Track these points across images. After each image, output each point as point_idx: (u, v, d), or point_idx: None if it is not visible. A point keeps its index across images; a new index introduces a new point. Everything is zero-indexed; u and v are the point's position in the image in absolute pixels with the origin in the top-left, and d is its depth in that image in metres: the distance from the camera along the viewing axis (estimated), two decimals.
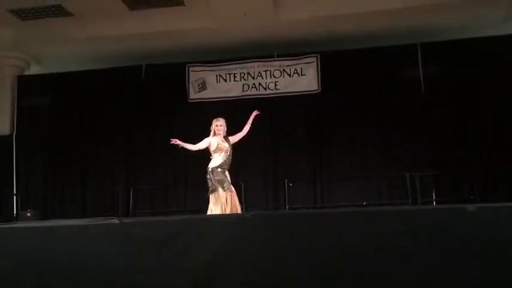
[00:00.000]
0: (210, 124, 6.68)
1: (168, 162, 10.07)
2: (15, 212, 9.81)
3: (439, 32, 9.58)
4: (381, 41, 9.65)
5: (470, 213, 4.11)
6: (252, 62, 10.13)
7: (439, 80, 9.63)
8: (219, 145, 6.51)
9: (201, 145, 6.55)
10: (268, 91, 10.03)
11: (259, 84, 10.06)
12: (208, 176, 6.47)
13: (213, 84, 10.19)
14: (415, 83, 9.65)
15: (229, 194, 6.41)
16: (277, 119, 9.87)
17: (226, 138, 6.63)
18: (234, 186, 6.62)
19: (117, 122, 10.46)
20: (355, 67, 9.76)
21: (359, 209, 6.59)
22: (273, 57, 10.17)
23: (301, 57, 10.00)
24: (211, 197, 6.45)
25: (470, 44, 9.52)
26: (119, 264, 4.41)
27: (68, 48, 10.32)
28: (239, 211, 6.48)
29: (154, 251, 4.39)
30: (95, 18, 9.39)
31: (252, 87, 10.08)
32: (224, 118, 6.76)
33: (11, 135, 10.58)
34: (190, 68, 10.27)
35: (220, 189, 6.37)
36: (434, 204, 9.08)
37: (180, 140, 6.51)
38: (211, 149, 6.53)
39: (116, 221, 4.71)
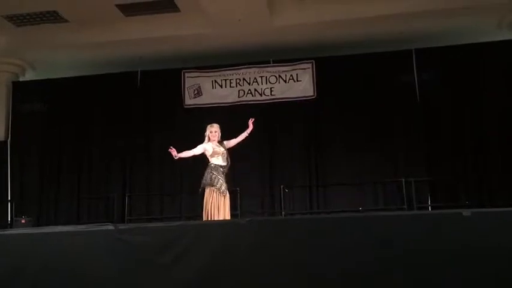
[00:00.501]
0: (205, 129, 6.68)
1: (164, 169, 10.04)
2: (9, 219, 9.75)
3: (433, 38, 9.62)
4: (376, 47, 9.69)
5: (466, 218, 4.12)
6: (248, 68, 10.15)
7: (433, 86, 9.66)
8: (215, 149, 6.53)
9: (196, 151, 6.55)
10: (263, 97, 10.04)
11: (255, 90, 10.07)
12: (208, 170, 6.45)
13: (208, 90, 10.19)
14: (410, 89, 9.69)
15: (223, 197, 6.42)
16: (273, 124, 9.88)
17: (221, 142, 6.65)
18: (229, 192, 6.60)
19: (113, 128, 10.43)
20: (350, 73, 9.79)
21: (356, 214, 6.60)
22: (269, 63, 10.18)
23: (297, 63, 10.03)
24: (206, 191, 6.40)
25: (464, 50, 9.57)
26: (114, 270, 4.39)
27: (63, 54, 10.30)
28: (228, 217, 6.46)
29: (150, 257, 4.38)
30: (90, 24, 9.39)
31: (247, 93, 10.09)
32: (219, 124, 6.76)
33: (5, 141, 10.54)
34: (186, 74, 10.28)
35: (215, 188, 6.36)
36: (430, 209, 9.09)
37: (176, 146, 6.50)
38: (208, 154, 6.53)
39: (111, 227, 4.70)
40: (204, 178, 6.44)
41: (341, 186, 9.48)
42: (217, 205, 6.35)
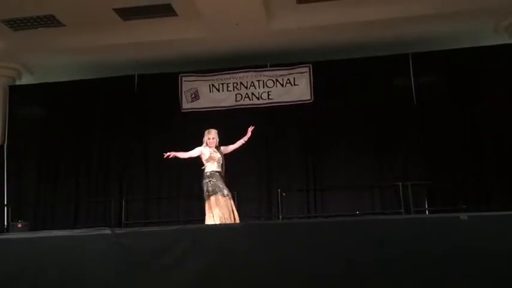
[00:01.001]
0: (203, 134, 6.69)
1: (161, 173, 10.03)
2: (6, 223, 9.71)
3: (430, 42, 9.65)
4: (373, 51, 9.71)
5: (463, 222, 4.13)
6: (245, 71, 10.16)
7: (430, 90, 9.69)
8: (211, 155, 6.53)
9: (192, 153, 6.57)
10: (261, 101, 10.04)
11: (252, 94, 10.08)
12: (206, 180, 6.44)
13: (206, 94, 10.20)
14: (407, 93, 9.71)
15: (229, 200, 6.45)
16: (270, 128, 9.88)
17: (218, 148, 6.65)
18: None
19: (110, 132, 10.43)
20: (347, 77, 9.81)
21: (353, 218, 6.60)
22: (266, 67, 10.20)
23: (294, 67, 10.05)
24: (211, 200, 6.40)
25: (461, 54, 9.59)
26: (111, 275, 4.38)
27: (60, 58, 10.29)
28: (237, 219, 6.48)
29: (147, 261, 4.37)
30: (87, 28, 9.38)
31: (245, 97, 10.10)
32: (216, 128, 6.77)
33: (2, 145, 10.51)
34: (183, 78, 10.28)
35: (220, 195, 6.37)
36: (427, 213, 9.10)
37: (173, 150, 6.51)
38: (204, 158, 6.55)
39: (108, 231, 4.68)
40: (206, 189, 6.42)
41: (338, 190, 9.49)
42: (228, 209, 6.37)
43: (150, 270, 4.33)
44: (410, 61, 9.74)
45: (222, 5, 8.43)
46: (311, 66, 9.95)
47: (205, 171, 6.51)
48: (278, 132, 9.97)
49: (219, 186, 6.39)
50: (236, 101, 10.10)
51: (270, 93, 10.04)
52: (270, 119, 9.87)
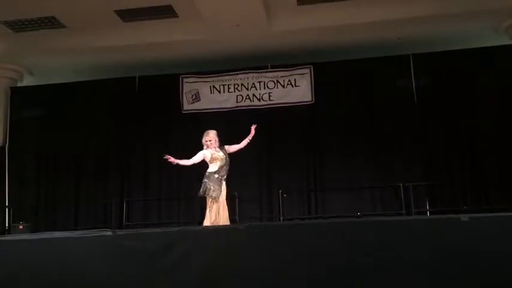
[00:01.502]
0: (202, 136, 6.68)
1: (162, 174, 10.03)
2: (7, 225, 9.72)
3: (431, 43, 9.65)
4: (374, 52, 9.71)
5: (464, 223, 4.13)
6: (246, 73, 10.16)
7: (431, 91, 9.67)
8: (213, 155, 6.51)
9: (196, 159, 6.50)
10: (262, 102, 10.04)
11: (253, 95, 10.09)
12: (204, 180, 6.44)
13: (206, 95, 10.20)
14: (408, 94, 9.69)
15: (221, 206, 6.42)
16: (271, 130, 9.87)
17: (221, 147, 6.63)
18: (228, 197, 6.60)
19: (111, 133, 10.43)
20: (348, 78, 9.82)
21: (354, 219, 6.59)
22: (267, 68, 10.20)
23: (295, 68, 10.05)
24: (208, 201, 6.43)
25: (462, 55, 9.58)
26: (112, 276, 4.38)
27: (61, 59, 10.31)
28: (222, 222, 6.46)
29: (148, 263, 4.37)
30: (88, 29, 9.39)
31: (245, 98, 10.10)
32: (217, 130, 6.76)
33: (3, 146, 10.52)
34: (184, 79, 10.29)
35: (210, 197, 6.37)
36: (428, 214, 9.09)
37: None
38: (207, 160, 6.52)
39: (109, 233, 4.68)
40: (201, 188, 6.43)
41: (339, 191, 9.49)
42: (215, 213, 6.36)
43: (151, 272, 4.33)
44: (411, 62, 9.73)
45: (223, 6, 8.43)
46: (312, 67, 9.95)
47: (206, 171, 6.52)
48: (279, 133, 9.96)
49: (210, 187, 6.35)
50: (237, 102, 10.11)
51: (271, 94, 10.05)
52: (271, 120, 9.87)
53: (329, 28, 9.33)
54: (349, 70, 9.82)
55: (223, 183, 6.50)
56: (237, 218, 8.85)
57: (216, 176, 6.42)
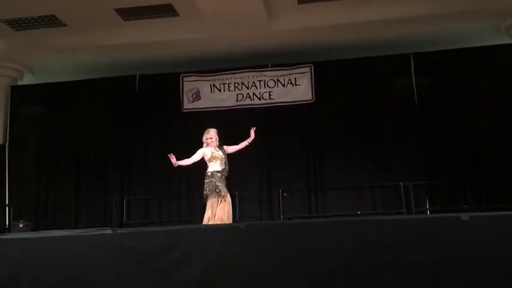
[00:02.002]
0: (203, 134, 6.69)
1: (163, 173, 10.01)
2: (7, 223, 9.72)
3: (431, 42, 9.64)
4: (374, 51, 9.70)
5: (464, 222, 4.13)
6: (246, 72, 10.15)
7: (432, 90, 9.67)
8: (213, 154, 6.53)
9: (195, 157, 6.54)
10: (262, 101, 10.03)
11: (253, 94, 10.08)
12: (206, 180, 6.45)
13: (207, 94, 10.20)
14: (408, 93, 9.69)
15: (225, 202, 6.43)
16: (271, 128, 9.86)
17: (220, 147, 6.64)
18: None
19: (111, 131, 10.42)
20: (348, 77, 9.81)
21: (354, 218, 6.60)
22: (267, 67, 10.18)
23: (295, 67, 10.03)
24: (208, 202, 6.42)
25: (463, 53, 9.57)
26: (112, 275, 4.39)
27: (61, 58, 10.30)
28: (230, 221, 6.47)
29: (148, 261, 4.38)
30: (88, 28, 9.39)
31: (246, 97, 10.09)
32: (217, 128, 6.77)
33: (3, 145, 10.51)
34: (184, 78, 10.28)
35: (216, 196, 6.37)
36: (428, 213, 9.09)
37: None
38: (206, 158, 6.55)
39: (109, 231, 4.69)
40: (205, 189, 6.43)
41: (339, 191, 9.48)
42: (221, 209, 6.38)
43: (152, 270, 4.33)
44: (412, 61, 9.72)
45: (223, 5, 8.42)
46: (312, 66, 9.94)
47: (207, 171, 6.52)
48: (279, 132, 9.94)
49: (218, 187, 6.38)
50: (237, 101, 10.10)
51: (271, 93, 10.04)
52: (271, 119, 9.86)
53: (329, 27, 9.32)
54: (350, 69, 9.81)
55: (224, 178, 6.54)
56: (237, 217, 8.84)
57: (219, 174, 6.46)
